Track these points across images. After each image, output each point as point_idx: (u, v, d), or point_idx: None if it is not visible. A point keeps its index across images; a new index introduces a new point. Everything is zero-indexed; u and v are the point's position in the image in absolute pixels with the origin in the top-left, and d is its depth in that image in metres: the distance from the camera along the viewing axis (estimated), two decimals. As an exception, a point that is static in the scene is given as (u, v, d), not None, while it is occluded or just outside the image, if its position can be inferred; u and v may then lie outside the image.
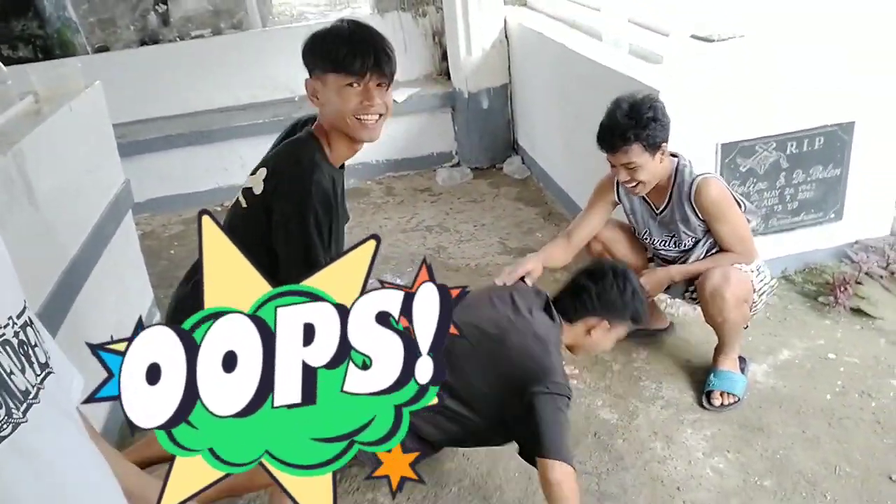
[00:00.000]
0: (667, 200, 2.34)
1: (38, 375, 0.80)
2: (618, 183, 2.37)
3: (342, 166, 1.92)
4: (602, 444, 2.21)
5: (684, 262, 2.40)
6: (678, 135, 2.48)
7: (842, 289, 2.73)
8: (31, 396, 0.78)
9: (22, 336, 0.79)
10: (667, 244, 2.41)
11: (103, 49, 4.41)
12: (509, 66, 4.31)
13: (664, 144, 2.20)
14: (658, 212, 2.38)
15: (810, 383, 2.38)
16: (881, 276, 2.86)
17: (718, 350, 2.42)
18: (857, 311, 2.67)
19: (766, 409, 2.30)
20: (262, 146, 4.29)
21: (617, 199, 2.47)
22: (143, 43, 4.45)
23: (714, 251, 2.36)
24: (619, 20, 2.95)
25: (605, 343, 2.02)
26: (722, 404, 2.32)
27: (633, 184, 2.25)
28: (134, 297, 2.94)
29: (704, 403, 2.34)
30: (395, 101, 4.47)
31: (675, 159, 2.32)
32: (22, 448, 0.75)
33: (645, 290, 2.16)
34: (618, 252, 2.55)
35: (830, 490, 1.98)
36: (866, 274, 2.87)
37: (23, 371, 0.78)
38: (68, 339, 2.08)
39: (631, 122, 2.15)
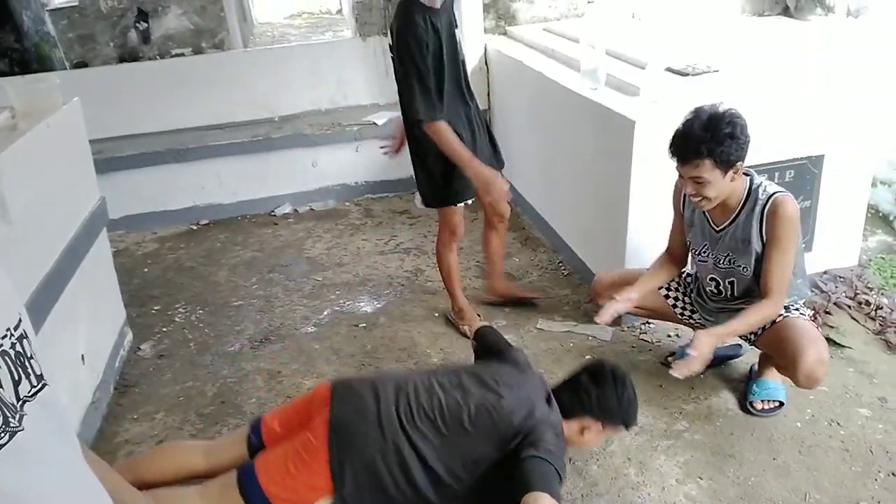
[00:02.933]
0: (730, 220, 2.27)
1: (35, 387, 0.82)
2: (684, 194, 2.31)
3: (444, 8, 2.55)
4: (577, 470, 2.22)
5: (731, 293, 2.38)
6: (651, 167, 2.53)
7: (812, 318, 2.78)
8: (26, 406, 0.80)
9: (18, 348, 0.81)
10: (719, 262, 2.35)
11: (82, 65, 4.38)
12: (489, 93, 4.37)
13: (739, 164, 2.11)
14: (717, 230, 2.32)
15: (781, 411, 2.41)
16: (849, 306, 2.93)
17: (765, 363, 2.45)
18: (827, 340, 2.71)
19: (738, 436, 2.33)
20: (239, 165, 4.38)
21: (681, 208, 2.43)
22: (122, 60, 4.43)
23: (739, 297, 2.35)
24: (598, 51, 3.01)
25: (595, 443, 2.05)
26: (763, 409, 2.38)
27: (699, 198, 2.18)
28: (107, 315, 2.90)
29: (750, 409, 2.41)
30: (374, 123, 4.56)
31: (748, 178, 2.24)
32: (19, 456, 0.77)
33: (698, 361, 2.18)
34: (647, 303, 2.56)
35: (801, 517, 2.01)
36: (835, 304, 2.93)
37: (19, 382, 0.80)
38: (40, 358, 2.04)
39: (706, 136, 2.05)
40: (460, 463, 1.82)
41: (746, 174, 2.26)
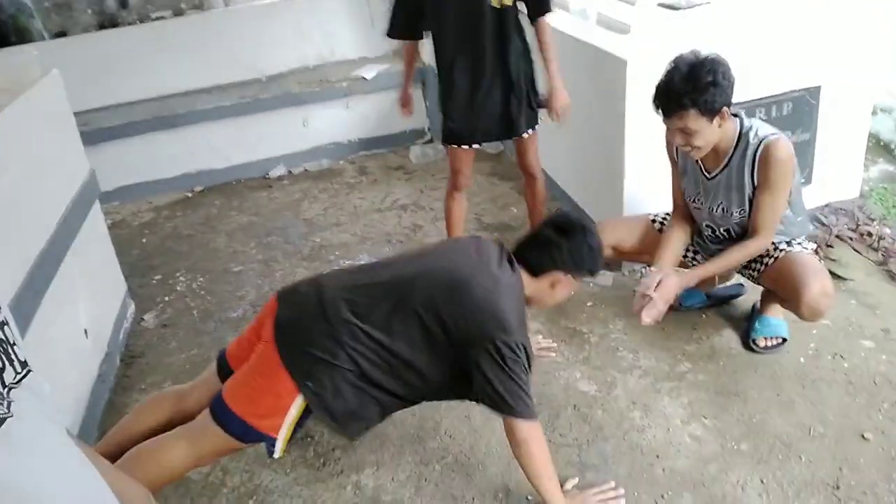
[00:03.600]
0: (722, 166, 2.24)
1: (19, 373, 0.82)
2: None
3: None
4: (582, 416, 2.24)
5: (728, 237, 2.35)
6: (646, 108, 2.47)
7: (814, 252, 2.76)
8: (12, 392, 0.80)
9: (1, 335, 0.81)
10: (713, 211, 2.33)
11: (61, 34, 4.28)
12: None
13: (725, 109, 2.08)
14: (709, 177, 2.29)
15: (784, 347, 2.42)
16: (851, 238, 2.91)
17: (767, 300, 2.44)
18: (829, 274, 2.70)
19: (741, 374, 2.34)
20: (229, 129, 4.31)
21: (674, 156, 2.40)
22: (101, 27, 4.32)
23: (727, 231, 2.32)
24: (587, -10, 2.92)
25: (562, 295, 1.99)
26: (766, 346, 2.39)
27: (688, 148, 2.17)
28: (107, 289, 2.89)
29: (753, 346, 2.41)
30: (364, 78, 4.46)
31: (738, 120, 2.21)
32: (10, 442, 0.77)
33: (665, 299, 2.19)
34: (629, 246, 2.55)
35: (805, 451, 2.03)
36: (837, 237, 2.91)
37: (3, 369, 0.79)
38: (40, 337, 2.05)
39: (688, 87, 2.02)
40: (409, 338, 1.77)
41: (736, 115, 2.22)
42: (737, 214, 2.29)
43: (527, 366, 1.77)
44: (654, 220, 2.58)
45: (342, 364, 1.76)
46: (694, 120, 2.07)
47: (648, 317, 2.18)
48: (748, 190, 2.23)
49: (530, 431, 1.76)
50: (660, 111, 2.13)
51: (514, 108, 2.69)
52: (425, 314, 1.77)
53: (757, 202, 2.22)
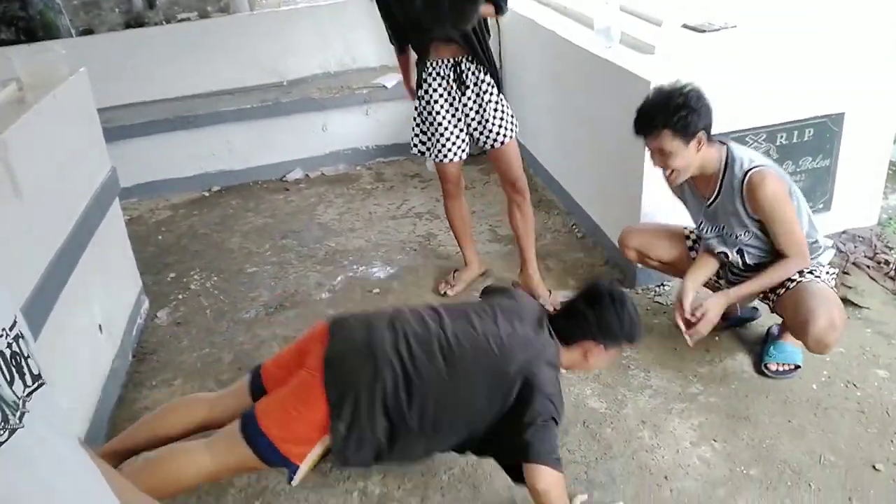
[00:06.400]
0: (716, 192, 2.28)
1: (30, 386, 0.82)
2: None
3: None
4: (591, 433, 2.23)
5: (742, 263, 2.37)
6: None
7: (835, 279, 2.75)
8: (24, 405, 0.80)
9: (15, 347, 0.81)
10: (721, 236, 2.36)
11: (88, 32, 4.33)
12: (500, 52, 4.29)
13: (701, 133, 2.15)
14: (708, 203, 2.33)
15: (797, 373, 2.40)
16: (868, 266, 2.89)
17: (785, 325, 2.44)
18: (845, 301, 2.68)
19: (752, 398, 2.33)
20: (249, 131, 4.34)
21: (676, 190, 2.44)
22: (128, 26, 4.38)
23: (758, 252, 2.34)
24: (611, 8, 2.93)
25: (600, 364, 2.04)
26: (777, 371, 2.39)
27: (668, 171, 2.23)
28: (122, 285, 2.92)
29: (764, 371, 2.41)
30: (384, 86, 4.49)
31: (724, 147, 2.26)
32: (19, 454, 0.77)
33: (710, 320, 2.26)
34: (654, 254, 2.58)
35: (815, 479, 2.01)
36: (853, 264, 2.89)
37: (12, 382, 0.80)
38: (58, 329, 2.07)
39: (659, 108, 2.13)
40: (452, 393, 1.82)
41: (724, 143, 2.26)
42: (743, 236, 2.31)
43: (560, 419, 1.82)
44: (687, 236, 2.58)
45: (381, 410, 1.80)
46: (668, 140, 2.14)
47: (692, 341, 2.30)
48: (744, 216, 2.26)
49: (554, 481, 1.75)
50: (638, 135, 2.21)
51: (490, 122, 2.77)
52: (467, 378, 1.82)
53: (772, 234, 2.26)
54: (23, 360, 0.82)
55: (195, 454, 1.84)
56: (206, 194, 4.30)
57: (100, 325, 2.52)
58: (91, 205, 2.55)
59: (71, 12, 4.30)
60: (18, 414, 0.78)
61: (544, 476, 1.73)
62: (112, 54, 4.12)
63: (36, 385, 0.83)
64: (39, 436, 0.80)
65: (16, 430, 0.77)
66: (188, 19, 4.43)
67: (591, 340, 1.93)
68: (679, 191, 2.43)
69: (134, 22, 4.39)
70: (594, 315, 1.91)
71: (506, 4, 2.66)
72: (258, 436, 1.79)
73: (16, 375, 0.80)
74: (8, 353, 0.80)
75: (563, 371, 1.96)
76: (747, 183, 2.20)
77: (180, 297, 3.23)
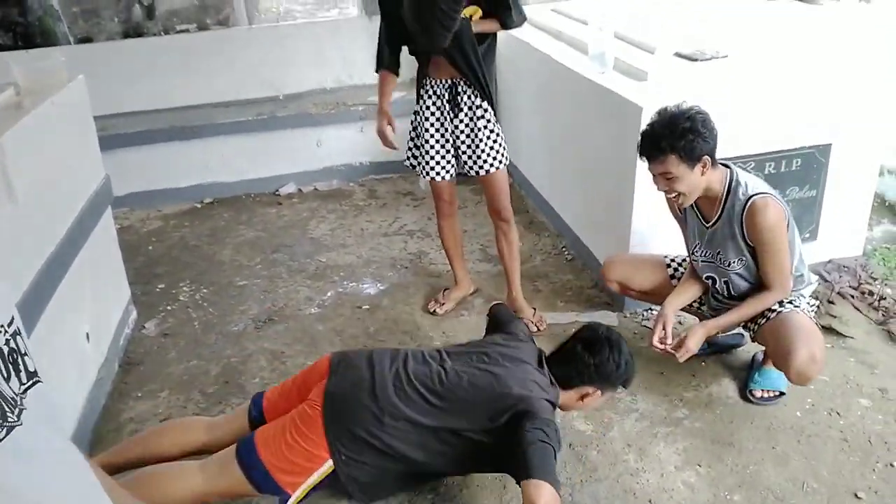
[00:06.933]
0: (717, 215, 2.29)
1: (25, 384, 0.83)
2: None
3: None
4: (577, 455, 2.24)
5: (727, 292, 2.40)
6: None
7: (816, 310, 2.78)
8: (21, 402, 0.81)
9: (12, 344, 0.83)
10: (713, 262, 2.37)
11: (86, 40, 4.35)
12: (494, 74, 4.33)
13: (706, 157, 2.15)
14: (708, 226, 2.34)
15: (781, 400, 2.42)
16: (852, 296, 2.93)
17: (768, 354, 2.46)
18: (829, 330, 2.72)
19: (737, 424, 2.35)
20: (244, 144, 4.35)
21: (677, 211, 2.46)
22: (126, 35, 4.39)
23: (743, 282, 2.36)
24: (606, 35, 2.98)
25: (595, 406, 2.09)
26: (762, 398, 2.41)
27: (673, 195, 2.23)
28: (111, 294, 2.91)
29: (749, 397, 2.43)
30: (380, 104, 4.45)
31: (728, 171, 2.27)
32: (17, 450, 0.78)
33: (689, 349, 2.29)
34: (636, 284, 2.60)
35: (798, 506, 2.03)
36: (838, 293, 2.93)
37: (9, 378, 0.81)
38: (45, 336, 2.06)
39: (666, 132, 2.12)
40: (452, 430, 1.86)
41: (727, 166, 2.28)
42: (735, 264, 2.32)
43: (559, 450, 1.83)
44: (668, 264, 2.61)
45: (380, 446, 1.84)
46: (674, 165, 2.14)
47: (681, 359, 2.33)
48: (741, 242, 2.27)
49: (551, 495, 1.73)
50: (643, 158, 2.21)
51: (479, 149, 2.76)
52: (470, 420, 1.86)
53: (760, 261, 2.28)
54: (19, 357, 0.83)
55: (188, 474, 1.85)
56: (199, 206, 4.30)
57: (87, 334, 2.51)
58: (84, 212, 2.55)
59: (70, 19, 4.31)
60: (17, 411, 0.79)
61: (544, 493, 1.71)
62: (110, 63, 4.14)
63: (31, 382, 0.84)
64: (36, 433, 0.81)
65: (14, 426, 0.78)
66: (187, 31, 4.45)
67: (589, 385, 1.97)
68: (681, 212, 2.44)
69: (133, 31, 4.41)
70: (592, 362, 1.96)
71: (517, 15, 2.61)
72: (255, 463, 1.82)
73: (12, 372, 0.81)
74: (6, 349, 0.81)
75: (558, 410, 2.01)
76: (749, 208, 2.21)
77: (169, 308, 3.22)
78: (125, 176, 3.87)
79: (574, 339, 2.05)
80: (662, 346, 2.35)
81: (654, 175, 2.24)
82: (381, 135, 2.83)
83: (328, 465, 1.84)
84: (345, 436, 1.83)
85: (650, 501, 2.06)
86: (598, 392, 1.99)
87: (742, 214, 2.23)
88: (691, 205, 2.35)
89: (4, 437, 0.77)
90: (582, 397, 2.00)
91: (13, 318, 0.84)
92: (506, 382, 1.89)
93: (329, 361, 1.99)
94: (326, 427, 1.83)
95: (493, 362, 1.96)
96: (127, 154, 4.03)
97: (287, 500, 1.84)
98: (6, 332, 0.82)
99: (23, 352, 0.84)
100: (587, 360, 1.96)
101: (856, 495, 2.05)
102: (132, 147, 4.07)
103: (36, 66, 2.57)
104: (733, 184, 2.25)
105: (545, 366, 2.00)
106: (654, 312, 2.90)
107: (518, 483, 1.82)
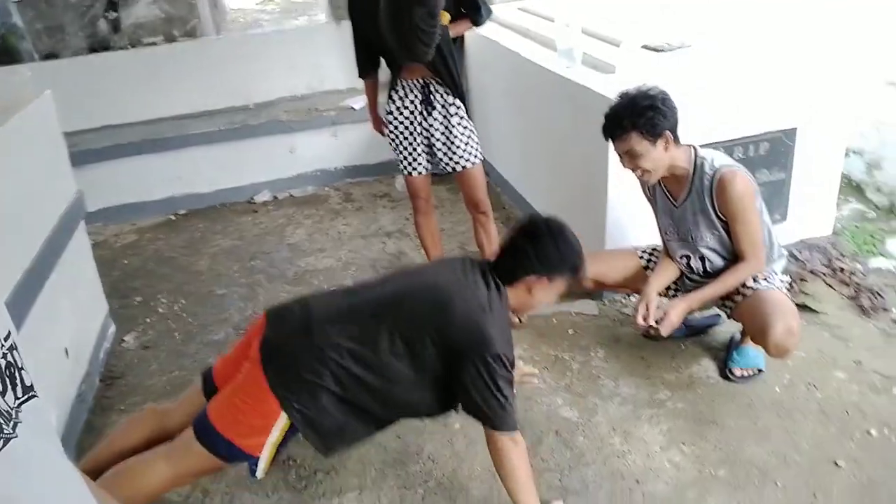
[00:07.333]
0: (686, 192, 2.34)
1: (20, 398, 0.83)
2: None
3: None
4: (563, 442, 2.26)
5: (703, 269, 2.44)
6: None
7: (789, 286, 2.84)
8: (17, 415, 0.81)
9: (9, 358, 0.83)
10: (685, 240, 2.41)
11: (52, 56, 4.30)
12: (466, 73, 4.37)
13: (668, 133, 2.20)
14: (677, 204, 2.39)
15: (760, 377, 2.47)
16: (824, 274, 2.99)
17: (745, 333, 2.50)
18: (803, 307, 2.78)
19: (719, 402, 2.39)
20: (216, 154, 4.34)
21: (647, 193, 2.50)
22: (93, 50, 4.36)
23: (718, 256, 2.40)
24: (573, 30, 3.02)
25: (547, 298, 1.98)
26: (742, 376, 2.45)
27: (639, 172, 2.28)
28: (88, 309, 2.88)
29: (729, 376, 2.47)
30: (352, 108, 4.52)
31: (691, 149, 2.33)
32: (13, 461, 0.78)
33: (671, 322, 2.32)
34: (610, 279, 2.63)
35: (781, 478, 2.07)
36: (810, 272, 3.00)
37: (4, 392, 0.81)
38: (23, 353, 2.03)
39: (626, 111, 2.19)
40: (395, 357, 1.79)
41: (691, 146, 2.34)
42: (709, 239, 2.37)
43: (510, 378, 1.80)
44: (641, 256, 2.65)
45: (327, 384, 1.78)
46: (637, 142, 2.20)
47: (664, 332, 2.36)
48: (712, 215, 2.32)
49: (510, 443, 1.79)
50: (607, 138, 2.27)
51: (453, 145, 2.81)
52: (411, 333, 1.80)
53: (733, 234, 2.32)
54: (16, 370, 0.83)
55: (153, 464, 1.82)
56: (173, 218, 4.27)
57: (66, 350, 2.49)
58: (57, 228, 2.52)
59: (34, 36, 4.26)
60: (12, 424, 0.79)
61: (501, 439, 1.77)
62: (77, 78, 4.10)
63: (27, 396, 0.84)
64: (31, 445, 0.81)
65: (10, 439, 0.78)
66: (154, 43, 4.43)
67: (534, 275, 1.90)
68: (650, 193, 2.49)
69: (99, 46, 4.37)
70: (533, 249, 1.89)
71: (486, 13, 2.72)
72: (213, 435, 1.78)
73: (9, 386, 0.81)
74: (3, 363, 0.81)
75: (512, 315, 1.95)
76: (718, 180, 2.26)
77: (147, 320, 3.19)
78: (97, 191, 3.83)
79: (513, 230, 1.98)
80: (646, 323, 2.39)
81: (619, 155, 2.29)
82: (381, 133, 3.02)
83: (284, 418, 1.77)
84: (291, 383, 1.77)
85: (637, 482, 2.09)
86: (546, 280, 1.90)
87: (711, 187, 2.28)
88: (661, 186, 2.39)
89: (1, 449, 0.77)
90: (530, 290, 1.91)
91: (10, 333, 0.84)
92: (447, 293, 1.82)
93: (264, 315, 1.93)
94: (269, 378, 1.76)
95: (429, 274, 1.96)
96: (98, 169, 3.99)
97: (257, 463, 1.80)
98: (3, 346, 0.82)
99: (20, 366, 0.84)
100: (528, 248, 1.89)
101: (835, 464, 2.10)
102: (103, 162, 4.03)
103: (2, 82, 2.55)
104: (698, 160, 2.31)
105: (487, 268, 1.92)
106: (635, 298, 2.95)
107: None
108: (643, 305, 2.41)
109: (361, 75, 2.92)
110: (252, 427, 1.79)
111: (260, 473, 1.82)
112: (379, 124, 3.02)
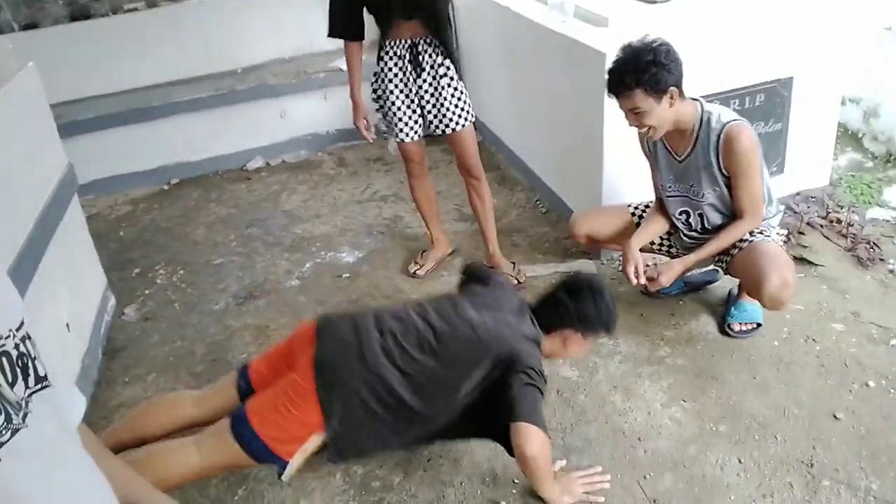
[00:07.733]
0: (690, 147, 2.31)
1: (31, 388, 0.83)
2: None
3: None
4: (565, 401, 2.29)
5: (701, 226, 2.44)
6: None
7: (785, 239, 2.85)
8: (27, 406, 0.81)
9: (22, 348, 0.82)
10: (687, 196, 2.40)
11: (31, 26, 4.19)
12: (456, 32, 4.28)
13: (672, 89, 2.16)
14: (680, 159, 2.36)
15: (759, 331, 2.49)
16: (821, 226, 2.99)
17: (742, 287, 2.51)
18: (801, 260, 2.79)
19: (718, 357, 2.41)
20: (206, 120, 4.27)
21: (647, 148, 2.48)
22: (73, 18, 4.25)
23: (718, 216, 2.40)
24: (565, -18, 2.95)
25: (577, 352, 2.11)
26: (741, 331, 2.47)
27: (644, 129, 2.25)
28: (87, 282, 2.87)
29: (728, 331, 2.49)
30: (341, 69, 4.43)
31: (697, 103, 2.29)
32: (21, 452, 0.78)
33: (660, 284, 2.37)
34: (603, 235, 2.64)
35: (781, 431, 2.10)
36: (808, 224, 3.00)
37: (14, 383, 0.80)
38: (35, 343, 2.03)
39: (629, 68, 2.14)
40: (443, 383, 1.88)
41: (696, 100, 2.30)
42: (710, 195, 2.36)
43: (543, 394, 1.87)
44: (633, 213, 2.64)
45: (371, 410, 1.85)
46: (641, 99, 2.16)
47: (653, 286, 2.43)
48: (716, 170, 2.30)
49: (540, 438, 1.81)
50: (611, 96, 2.23)
51: (442, 107, 2.74)
52: (455, 365, 1.87)
53: (734, 190, 2.31)
54: (29, 360, 0.83)
55: (184, 453, 1.85)
56: (166, 187, 4.23)
57: (67, 324, 2.49)
58: (50, 202, 2.50)
59: (12, 6, 4.15)
60: (21, 414, 0.79)
61: (531, 433, 1.78)
62: (59, 48, 4.01)
63: (40, 386, 0.83)
64: (43, 436, 0.81)
65: (19, 429, 0.78)
66: (136, 9, 4.31)
67: (571, 328, 2.01)
68: (650, 149, 2.46)
69: (79, 14, 4.25)
70: (574, 304, 2.00)
71: None
72: (251, 436, 1.82)
73: (19, 376, 0.81)
74: (15, 353, 0.80)
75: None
76: (725, 134, 2.23)
77: (147, 292, 3.19)
78: (87, 163, 3.78)
79: (557, 286, 2.10)
80: (638, 281, 2.40)
81: (624, 112, 2.25)
82: (358, 129, 2.87)
83: (323, 433, 1.86)
84: (337, 401, 1.84)
85: (639, 439, 2.12)
86: (580, 335, 2.03)
87: (718, 143, 2.25)
88: (662, 141, 2.37)
89: (10, 440, 0.77)
90: (565, 341, 2.03)
91: (22, 322, 0.84)
92: (491, 332, 1.91)
93: (314, 327, 1.99)
94: (319, 395, 1.84)
95: (476, 313, 1.97)
96: (87, 140, 3.93)
97: (285, 467, 1.85)
98: (15, 336, 0.81)
99: (33, 356, 0.84)
100: (568, 304, 2.00)
101: (834, 416, 2.14)
102: (91, 133, 3.97)
103: (-19, 55, 2.49)
104: (704, 115, 2.28)
105: (527, 312, 2.04)
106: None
107: (500, 442, 1.91)
108: (631, 265, 2.41)
109: (345, 36, 2.76)
110: (292, 435, 1.84)
111: (286, 477, 1.88)
112: (359, 120, 2.83)
